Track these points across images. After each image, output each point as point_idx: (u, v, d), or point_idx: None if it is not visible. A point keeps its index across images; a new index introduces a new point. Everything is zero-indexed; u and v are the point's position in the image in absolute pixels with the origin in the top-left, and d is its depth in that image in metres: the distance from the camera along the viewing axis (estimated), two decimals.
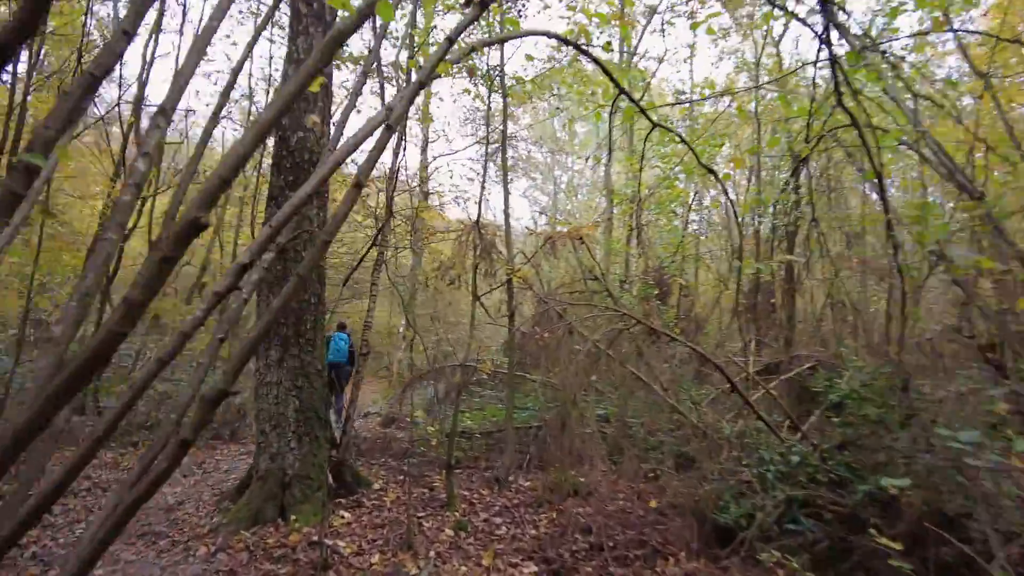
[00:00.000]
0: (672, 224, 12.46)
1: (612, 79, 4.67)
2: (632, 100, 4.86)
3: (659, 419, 6.77)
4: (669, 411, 6.37)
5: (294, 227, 4.69)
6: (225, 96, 3.71)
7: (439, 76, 2.90)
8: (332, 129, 5.43)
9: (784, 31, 13.34)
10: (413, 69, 6.24)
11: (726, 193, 5.09)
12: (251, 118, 14.17)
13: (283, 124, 5.74)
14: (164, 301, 11.45)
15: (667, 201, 11.77)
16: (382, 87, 7.26)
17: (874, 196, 13.37)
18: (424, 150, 18.56)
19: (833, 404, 5.40)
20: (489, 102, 9.16)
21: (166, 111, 2.48)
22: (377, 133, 2.13)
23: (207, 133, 3.71)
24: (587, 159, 13.51)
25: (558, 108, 10.56)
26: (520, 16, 8.07)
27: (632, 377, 6.05)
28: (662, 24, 13.33)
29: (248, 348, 1.72)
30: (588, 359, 5.78)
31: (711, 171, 5.38)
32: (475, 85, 9.70)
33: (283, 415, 5.37)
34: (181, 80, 2.67)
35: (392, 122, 2.02)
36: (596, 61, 4.67)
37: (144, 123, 11.18)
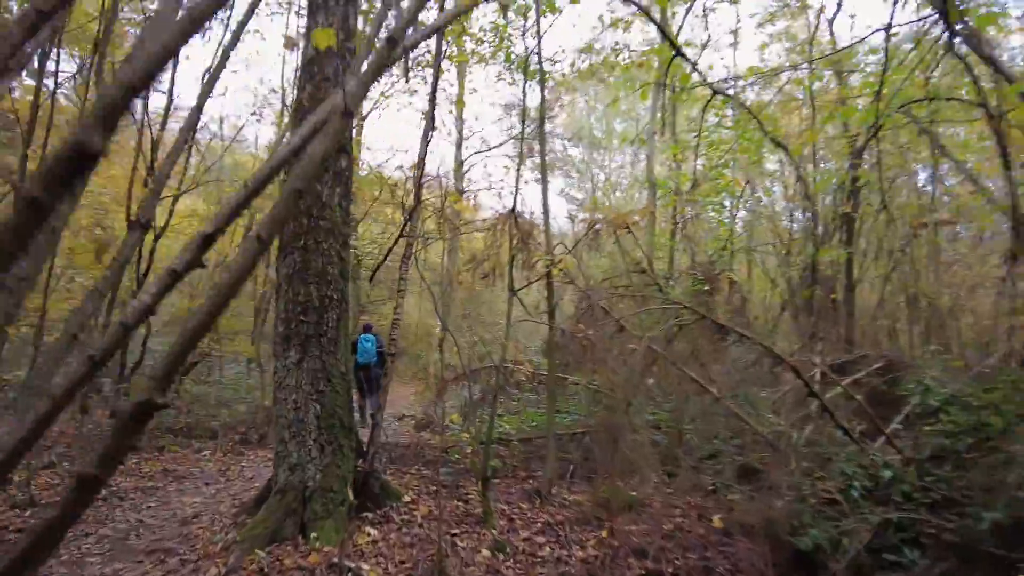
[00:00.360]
0: (721, 216, 11.70)
1: (666, 35, 4.06)
2: (688, 61, 4.24)
3: (717, 425, 6.11)
4: (728, 416, 5.71)
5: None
6: (219, 71, 3.28)
7: (467, 10, 2.35)
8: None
9: (837, 11, 12.40)
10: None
11: (797, 169, 4.43)
12: (284, 118, 13.91)
13: (303, 103, 5.30)
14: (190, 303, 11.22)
15: (715, 192, 11.04)
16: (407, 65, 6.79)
17: (927, 188, 12.31)
18: (459, 146, 18.20)
19: (928, 410, 4.65)
20: (525, 87, 8.59)
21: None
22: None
23: (197, 109, 3.27)
24: (632, 141, 12.85)
25: (602, 81, 9.92)
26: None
27: (688, 379, 5.40)
28: (703, 10, 12.56)
29: (183, 345, 1.19)
30: (643, 360, 5.14)
31: (780, 144, 4.73)
32: (509, 70, 9.15)
33: (303, 422, 4.91)
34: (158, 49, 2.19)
35: (395, 33, 1.49)
36: (651, 18, 4.08)
37: (173, 125, 11.01)
